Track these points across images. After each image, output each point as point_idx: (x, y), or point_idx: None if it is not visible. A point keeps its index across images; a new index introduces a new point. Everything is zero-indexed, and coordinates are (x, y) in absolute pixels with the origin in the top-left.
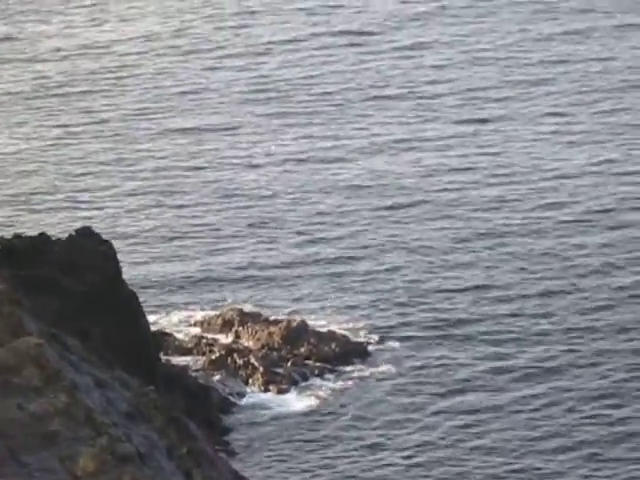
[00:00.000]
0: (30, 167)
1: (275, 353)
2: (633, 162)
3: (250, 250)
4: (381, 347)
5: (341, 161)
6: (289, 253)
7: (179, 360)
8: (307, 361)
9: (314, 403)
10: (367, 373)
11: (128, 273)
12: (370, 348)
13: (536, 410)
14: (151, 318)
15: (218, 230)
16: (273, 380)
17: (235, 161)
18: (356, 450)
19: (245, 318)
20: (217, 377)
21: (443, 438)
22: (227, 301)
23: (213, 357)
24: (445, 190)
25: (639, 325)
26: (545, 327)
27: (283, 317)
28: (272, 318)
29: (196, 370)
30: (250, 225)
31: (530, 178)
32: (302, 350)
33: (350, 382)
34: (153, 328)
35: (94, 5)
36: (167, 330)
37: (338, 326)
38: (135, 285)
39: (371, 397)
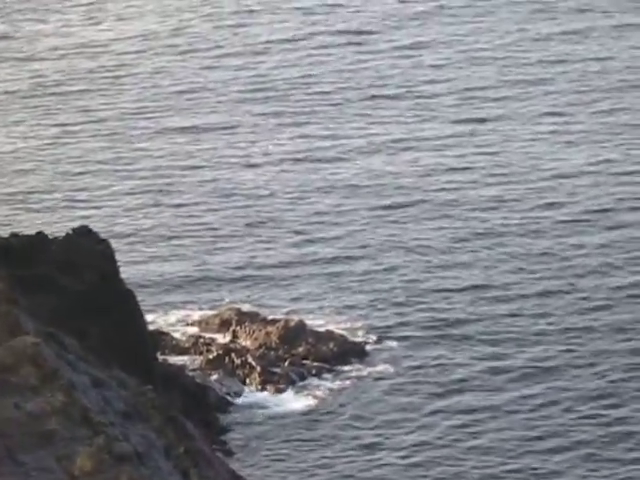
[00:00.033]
0: (27, 166)
1: (273, 353)
2: (631, 162)
3: (248, 249)
4: (379, 347)
5: (339, 160)
6: (287, 253)
7: (176, 359)
8: (305, 361)
9: (312, 403)
10: (365, 373)
11: (126, 272)
12: (368, 348)
13: (533, 410)
14: (149, 317)
15: (216, 229)
16: (271, 380)
17: (233, 160)
18: (353, 450)
19: (243, 318)
20: (214, 377)
21: (440, 438)
22: (225, 300)
23: (211, 356)
24: (443, 190)
25: (637, 325)
26: (543, 327)
27: (281, 317)
28: (270, 318)
29: (193, 369)
30: (248, 224)
31: (528, 178)
32: (300, 350)
33: (348, 382)
34: (151, 327)
35: (92, 4)
36: (165, 329)
37: (336, 326)
38: (133, 284)
39: (369, 397)
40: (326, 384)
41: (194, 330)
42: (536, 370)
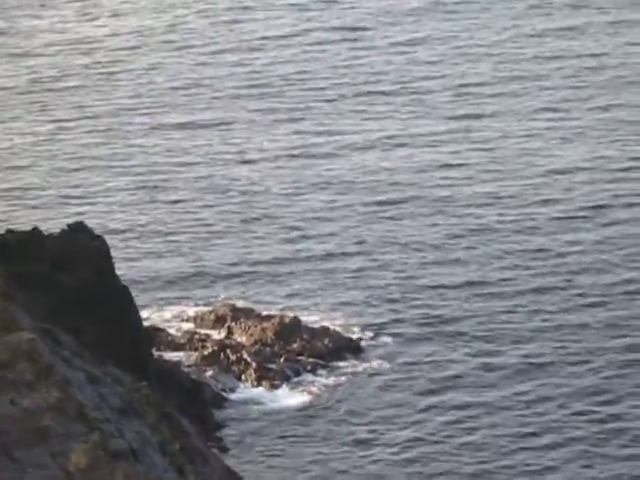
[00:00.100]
0: (23, 162)
1: (268, 349)
2: (627, 158)
3: (243, 246)
4: (374, 343)
5: (334, 157)
6: (282, 249)
7: (172, 356)
8: (300, 357)
9: (307, 399)
10: (360, 369)
11: (121, 268)
12: (363, 344)
13: (528, 406)
14: (144, 313)
15: (211, 225)
16: (266, 376)
17: (228, 156)
18: (348, 445)
19: (238, 314)
20: (210, 373)
21: (435, 434)
22: (220, 297)
23: (206, 353)
24: (438, 186)
25: (632, 322)
26: (538, 324)
27: (276, 313)
28: (265, 314)
29: (189, 366)
30: (243, 221)
31: (524, 174)
32: (295, 346)
33: (343, 378)
34: (146, 323)
35: (87, 0)
36: (160, 325)
37: (331, 322)
38: (128, 280)
39: (363, 393)
40: (321, 380)
41: (189, 326)
42: (531, 366)
